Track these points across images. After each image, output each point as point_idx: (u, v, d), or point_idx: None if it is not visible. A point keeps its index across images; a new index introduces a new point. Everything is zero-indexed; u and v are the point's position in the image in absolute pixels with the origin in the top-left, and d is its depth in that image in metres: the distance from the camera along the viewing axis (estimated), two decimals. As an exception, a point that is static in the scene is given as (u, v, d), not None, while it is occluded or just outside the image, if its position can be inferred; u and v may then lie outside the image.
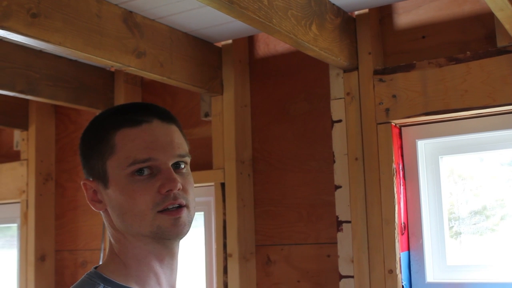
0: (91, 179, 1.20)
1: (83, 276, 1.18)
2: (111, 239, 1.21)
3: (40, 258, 3.26)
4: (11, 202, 3.43)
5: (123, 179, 1.14)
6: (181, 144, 1.19)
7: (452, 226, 2.36)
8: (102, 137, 1.18)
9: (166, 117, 1.20)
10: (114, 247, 1.20)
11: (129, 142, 1.15)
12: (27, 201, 3.29)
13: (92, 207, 1.21)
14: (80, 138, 1.24)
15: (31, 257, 3.24)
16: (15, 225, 3.48)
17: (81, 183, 1.21)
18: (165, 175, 1.14)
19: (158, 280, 1.19)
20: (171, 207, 1.14)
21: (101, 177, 1.18)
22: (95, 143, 1.19)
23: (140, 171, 1.14)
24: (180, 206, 1.15)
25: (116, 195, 1.15)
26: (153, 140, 1.15)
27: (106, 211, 1.20)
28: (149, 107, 1.20)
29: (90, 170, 1.20)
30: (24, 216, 3.29)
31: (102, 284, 1.13)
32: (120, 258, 1.18)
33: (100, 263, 1.24)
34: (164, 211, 1.14)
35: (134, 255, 1.18)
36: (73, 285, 1.16)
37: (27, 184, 3.30)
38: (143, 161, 1.13)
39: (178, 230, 1.15)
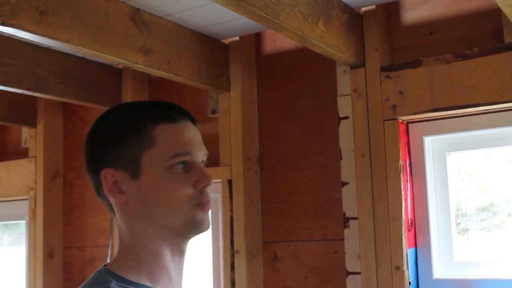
0: (113, 169, 1.17)
1: (93, 274, 1.17)
2: (125, 234, 1.20)
3: (48, 255, 3.27)
4: (20, 199, 3.45)
5: (160, 171, 1.17)
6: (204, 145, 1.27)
7: (459, 223, 2.36)
8: (138, 128, 1.18)
9: (194, 119, 1.27)
10: (128, 242, 1.19)
11: (170, 137, 1.19)
12: (35, 198, 3.31)
13: (111, 198, 1.18)
14: (98, 126, 1.22)
15: (40, 254, 3.25)
16: (24, 222, 3.50)
17: (102, 172, 1.17)
18: (200, 171, 1.20)
19: (170, 276, 1.20)
20: (204, 202, 1.20)
21: (130, 168, 1.17)
22: (127, 133, 1.18)
23: (181, 163, 1.18)
24: (208, 202, 1.21)
25: (149, 186, 1.17)
26: (190, 138, 1.21)
27: (125, 203, 1.18)
28: (182, 108, 1.26)
29: (115, 159, 1.17)
30: (32, 213, 3.31)
31: (113, 281, 1.13)
32: (135, 253, 1.18)
33: (108, 260, 1.23)
34: (198, 205, 1.19)
35: (150, 250, 1.18)
36: (83, 283, 1.16)
37: (35, 181, 3.32)
38: (184, 154, 1.18)
39: (207, 225, 1.21)
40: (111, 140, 1.19)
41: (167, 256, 1.20)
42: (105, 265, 1.19)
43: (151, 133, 1.18)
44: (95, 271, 1.18)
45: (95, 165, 1.20)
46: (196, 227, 1.19)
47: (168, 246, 1.19)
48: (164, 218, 1.17)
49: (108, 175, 1.17)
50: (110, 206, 1.22)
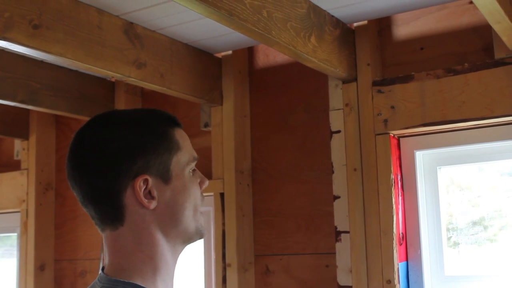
0: (147, 175, 1.15)
1: (105, 285, 1.14)
2: (139, 245, 1.16)
3: (40, 268, 3.26)
4: (11, 212, 3.43)
5: (185, 175, 1.20)
6: None
7: (451, 237, 2.36)
8: (163, 134, 1.19)
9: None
10: (142, 252, 1.16)
11: (185, 141, 1.23)
12: (27, 210, 3.30)
13: (146, 206, 1.15)
14: (108, 137, 1.17)
15: (31, 267, 3.24)
16: (15, 234, 3.48)
17: (141, 179, 1.14)
18: (200, 173, 1.26)
19: (172, 284, 1.22)
20: None
21: (162, 173, 1.17)
22: (155, 139, 1.18)
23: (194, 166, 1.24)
24: None
25: (178, 190, 1.19)
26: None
27: (153, 209, 1.16)
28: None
29: (145, 166, 1.15)
30: (24, 225, 3.30)
31: None
32: (152, 263, 1.16)
33: (101, 272, 1.20)
34: (200, 212, 1.25)
35: (165, 259, 1.18)
36: None
37: (27, 194, 3.31)
38: (197, 158, 1.24)
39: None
40: (139, 148, 1.16)
41: (174, 264, 1.22)
42: (106, 274, 1.15)
43: (174, 137, 1.21)
44: (103, 281, 1.15)
45: (119, 175, 1.14)
46: (201, 234, 1.24)
47: (177, 254, 1.22)
48: (186, 221, 1.20)
49: (142, 182, 1.15)
50: (115, 217, 1.16)
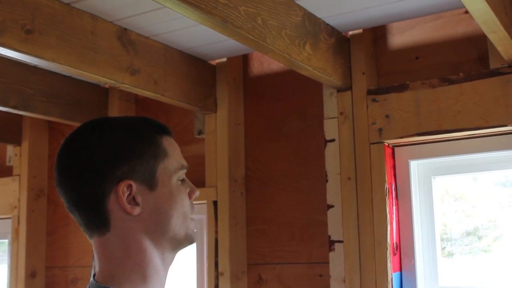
0: (131, 180, 1.14)
1: None
2: (126, 251, 1.15)
3: (31, 275, 3.23)
4: (2, 218, 3.41)
5: (172, 182, 1.19)
6: None
7: (445, 247, 2.35)
8: (150, 140, 1.18)
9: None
10: (130, 259, 1.15)
11: (174, 149, 1.22)
12: (18, 217, 3.27)
13: (129, 212, 1.14)
14: (96, 142, 1.16)
15: (22, 274, 3.21)
16: (6, 241, 3.46)
17: (125, 184, 1.13)
18: (191, 183, 1.24)
19: None
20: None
21: (147, 179, 1.16)
22: (141, 145, 1.16)
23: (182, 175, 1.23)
24: None
25: (164, 197, 1.17)
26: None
27: (138, 216, 1.15)
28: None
29: (130, 171, 1.14)
30: (15, 232, 3.27)
31: None
32: (140, 270, 1.15)
33: (92, 279, 1.19)
34: (191, 218, 1.24)
35: (155, 266, 1.17)
36: None
37: (19, 200, 3.29)
38: (186, 166, 1.23)
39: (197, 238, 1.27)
40: (124, 153, 1.15)
41: (165, 272, 1.20)
42: (97, 281, 1.15)
43: (162, 144, 1.19)
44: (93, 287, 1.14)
45: (103, 180, 1.14)
46: (192, 240, 1.22)
47: (168, 261, 1.20)
48: (174, 229, 1.18)
49: (126, 187, 1.14)
50: (100, 223, 1.15)
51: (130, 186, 1.14)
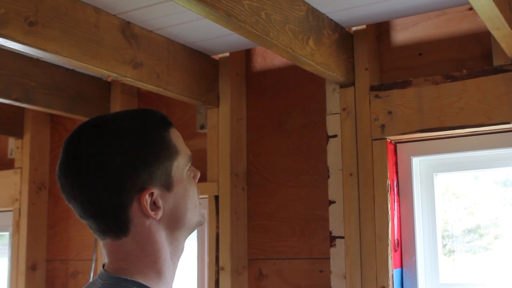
0: (151, 187, 1.13)
1: (108, 282, 1.12)
2: (147, 251, 1.14)
3: (31, 268, 3.24)
4: (4, 210, 3.41)
5: (185, 176, 1.20)
6: None
7: (446, 244, 2.35)
8: (160, 140, 1.17)
9: None
10: (147, 257, 1.15)
11: (180, 141, 1.22)
12: (19, 209, 3.28)
13: (153, 218, 1.14)
14: (114, 153, 1.12)
15: (22, 266, 3.21)
16: (7, 233, 3.46)
17: (147, 192, 1.12)
18: (192, 168, 1.24)
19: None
20: None
21: (164, 182, 1.15)
22: (154, 149, 1.15)
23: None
24: None
25: (181, 194, 1.18)
26: None
27: (159, 218, 1.15)
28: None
29: (149, 178, 1.13)
30: (16, 224, 3.28)
31: None
32: (156, 266, 1.15)
33: (92, 274, 1.19)
34: None
35: (168, 263, 1.18)
36: None
37: (20, 193, 3.29)
38: (192, 156, 1.24)
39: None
40: (140, 161, 1.13)
41: (175, 267, 1.21)
42: (107, 271, 1.14)
43: (171, 141, 1.18)
44: (104, 278, 1.13)
45: (123, 191, 1.11)
46: (202, 223, 1.25)
47: (181, 250, 1.22)
48: (189, 221, 1.20)
49: (148, 195, 1.13)
50: (119, 230, 1.13)
51: (151, 194, 1.13)
